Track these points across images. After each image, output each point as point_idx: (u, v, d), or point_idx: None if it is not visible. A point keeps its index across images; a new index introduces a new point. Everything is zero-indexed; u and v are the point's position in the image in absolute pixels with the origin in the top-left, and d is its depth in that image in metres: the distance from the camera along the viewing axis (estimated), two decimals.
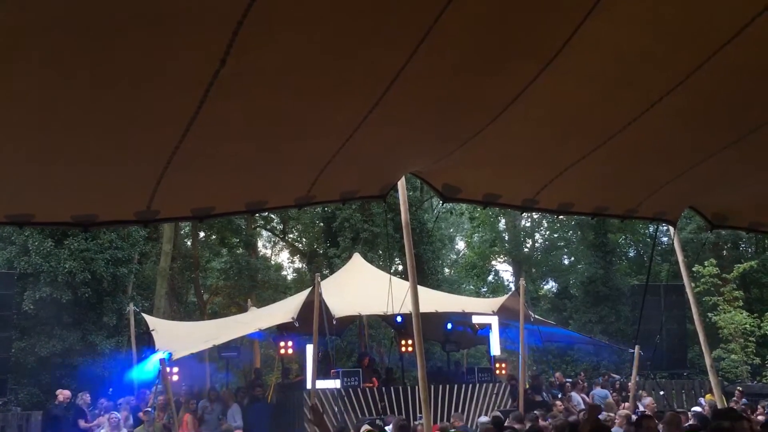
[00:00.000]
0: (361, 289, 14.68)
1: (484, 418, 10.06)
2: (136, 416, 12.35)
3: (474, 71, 3.91)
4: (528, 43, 3.70)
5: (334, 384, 13.54)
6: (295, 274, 34.62)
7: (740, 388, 15.67)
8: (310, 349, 13.23)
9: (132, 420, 12.39)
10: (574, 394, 15.29)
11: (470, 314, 15.12)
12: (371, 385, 13.99)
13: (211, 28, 3.04)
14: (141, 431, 11.52)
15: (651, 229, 29.68)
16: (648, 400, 12.11)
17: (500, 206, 6.48)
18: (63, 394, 12.89)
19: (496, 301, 15.67)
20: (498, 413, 11.24)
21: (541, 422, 9.29)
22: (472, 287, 35.99)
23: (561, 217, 30.39)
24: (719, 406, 9.13)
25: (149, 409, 12.10)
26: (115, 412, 11.75)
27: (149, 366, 14.55)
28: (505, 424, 8.51)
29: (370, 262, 18.75)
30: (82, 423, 12.30)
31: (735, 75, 4.14)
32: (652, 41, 3.78)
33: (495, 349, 15.62)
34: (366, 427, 8.59)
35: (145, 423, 11.64)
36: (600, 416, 9.00)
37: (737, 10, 3.55)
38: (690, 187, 6.14)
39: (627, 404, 12.62)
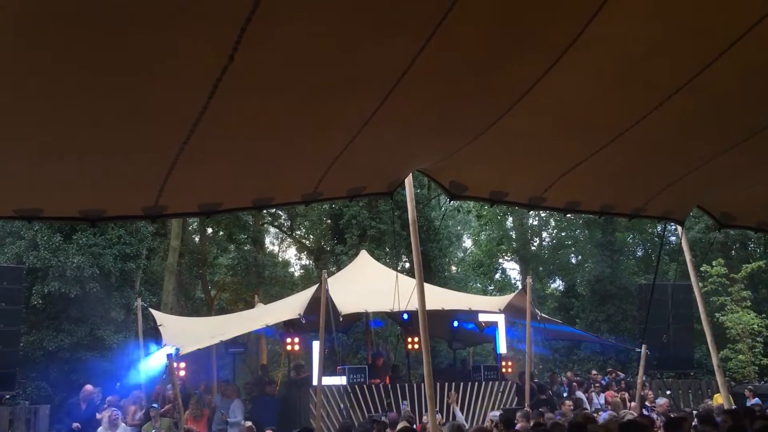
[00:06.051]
0: (368, 286, 14.64)
1: (494, 413, 10.05)
2: (146, 412, 12.37)
3: (483, 68, 3.90)
4: (537, 40, 3.69)
5: (340, 381, 13.55)
6: (302, 271, 34.50)
7: (750, 387, 15.48)
8: (316, 345, 13.24)
9: (142, 414, 12.43)
10: (579, 393, 15.27)
11: (477, 312, 15.09)
12: (377, 381, 14.01)
13: (220, 24, 3.04)
14: (149, 428, 11.53)
15: (659, 228, 29.51)
16: (663, 401, 12.03)
17: (507, 204, 6.47)
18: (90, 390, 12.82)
19: (503, 300, 15.61)
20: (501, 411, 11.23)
21: (548, 415, 9.27)
22: (479, 285, 35.82)
23: (568, 215, 30.35)
24: (726, 407, 9.05)
25: (155, 405, 12.12)
26: (114, 409, 11.68)
27: (155, 361, 14.56)
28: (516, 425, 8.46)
29: (377, 259, 18.69)
30: (98, 415, 12.35)
31: (743, 74, 4.13)
32: (661, 40, 3.77)
33: (502, 347, 15.61)
34: (404, 423, 8.45)
35: (152, 419, 11.65)
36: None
37: (746, 9, 3.55)
38: (698, 186, 6.12)
39: (633, 404, 12.55)
